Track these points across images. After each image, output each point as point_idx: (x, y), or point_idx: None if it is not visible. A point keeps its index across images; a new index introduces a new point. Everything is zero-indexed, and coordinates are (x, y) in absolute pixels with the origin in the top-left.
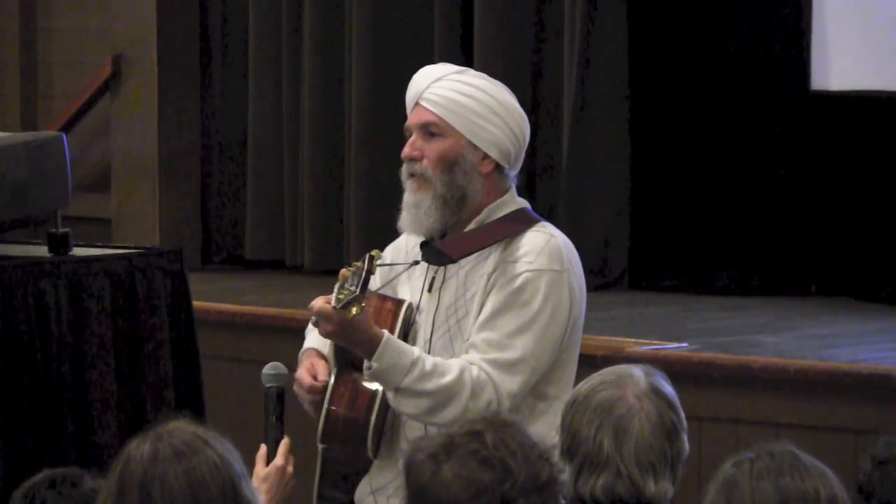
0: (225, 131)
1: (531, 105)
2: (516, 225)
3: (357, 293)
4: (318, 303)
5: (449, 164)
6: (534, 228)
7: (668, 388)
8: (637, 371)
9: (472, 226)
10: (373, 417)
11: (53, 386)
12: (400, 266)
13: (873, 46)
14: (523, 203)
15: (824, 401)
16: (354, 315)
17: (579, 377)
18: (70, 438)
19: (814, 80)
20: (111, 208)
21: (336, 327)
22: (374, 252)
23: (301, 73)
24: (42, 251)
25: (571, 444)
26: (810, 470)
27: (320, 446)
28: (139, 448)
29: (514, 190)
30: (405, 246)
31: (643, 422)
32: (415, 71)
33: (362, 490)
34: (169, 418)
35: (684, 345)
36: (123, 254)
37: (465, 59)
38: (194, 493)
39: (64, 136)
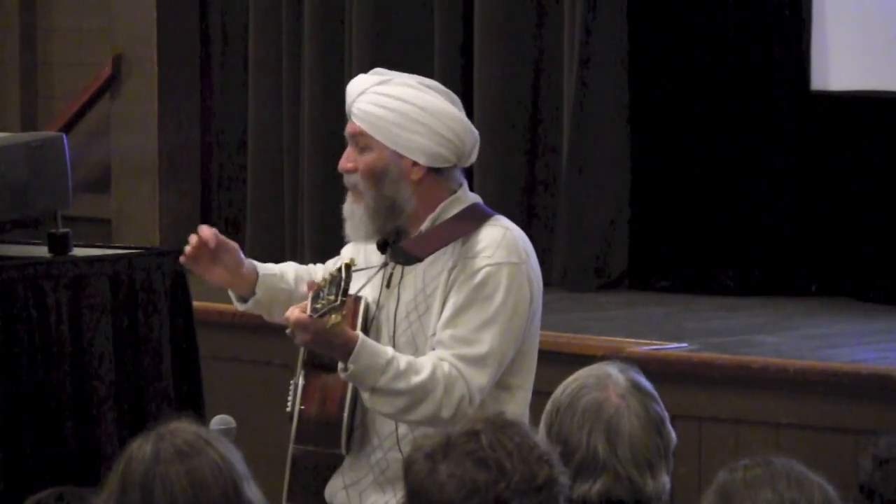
0: (225, 131)
1: (531, 106)
2: (472, 221)
3: (336, 303)
4: (295, 313)
5: (376, 176)
6: (489, 223)
7: (645, 382)
8: (612, 369)
9: (427, 223)
10: (345, 414)
11: (53, 386)
12: (372, 269)
13: (873, 46)
14: (476, 198)
15: (824, 401)
16: (333, 324)
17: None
18: (70, 439)
19: (814, 80)
20: (111, 208)
21: (313, 336)
22: (350, 261)
23: (301, 72)
24: (42, 251)
25: (563, 452)
26: (810, 479)
27: (292, 448)
28: (141, 448)
29: (465, 186)
30: (364, 246)
31: (632, 420)
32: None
33: (334, 486)
34: (170, 418)
35: (684, 345)
36: (123, 254)
37: (465, 60)
38: (196, 494)
39: (64, 136)
